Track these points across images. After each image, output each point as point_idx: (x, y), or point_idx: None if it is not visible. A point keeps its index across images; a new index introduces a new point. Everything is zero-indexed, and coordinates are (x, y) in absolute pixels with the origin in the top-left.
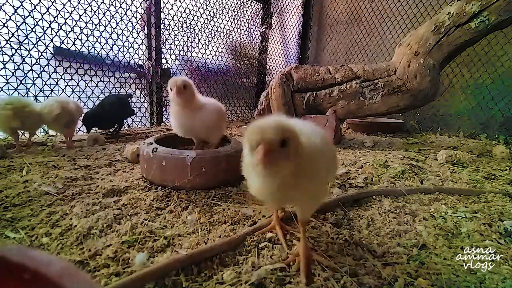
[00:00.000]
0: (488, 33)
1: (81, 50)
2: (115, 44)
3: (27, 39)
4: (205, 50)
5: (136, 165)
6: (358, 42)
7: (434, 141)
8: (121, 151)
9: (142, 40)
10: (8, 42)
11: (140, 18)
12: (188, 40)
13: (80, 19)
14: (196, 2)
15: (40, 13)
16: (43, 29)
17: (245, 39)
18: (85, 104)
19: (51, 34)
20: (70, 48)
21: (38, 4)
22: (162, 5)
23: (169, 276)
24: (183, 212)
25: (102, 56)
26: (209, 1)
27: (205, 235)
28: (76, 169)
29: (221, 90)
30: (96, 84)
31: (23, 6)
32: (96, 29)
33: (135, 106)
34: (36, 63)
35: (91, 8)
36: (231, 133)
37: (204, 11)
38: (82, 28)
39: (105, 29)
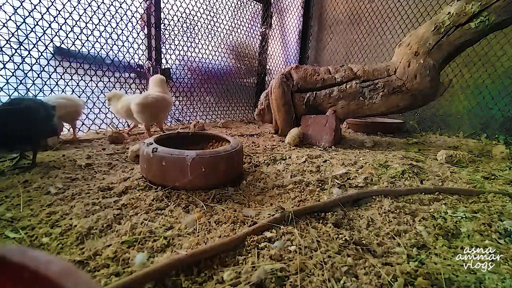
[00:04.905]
0: (488, 33)
1: (81, 50)
2: (115, 44)
3: (27, 39)
4: (205, 50)
5: (136, 165)
6: (358, 42)
7: (434, 141)
8: (121, 151)
9: (142, 40)
10: (8, 42)
11: (140, 18)
12: (188, 40)
13: (80, 19)
14: (196, 2)
15: (40, 13)
16: (43, 29)
17: (245, 39)
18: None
19: (51, 34)
20: (70, 48)
21: (38, 4)
22: (162, 5)
23: (169, 276)
24: (183, 212)
25: (102, 56)
26: (209, 1)
27: (205, 235)
28: (76, 169)
29: (221, 90)
30: (96, 84)
31: (23, 6)
32: (96, 29)
33: None
34: (36, 63)
35: (91, 8)
36: (231, 133)
37: (204, 11)
38: (82, 28)
39: (105, 29)
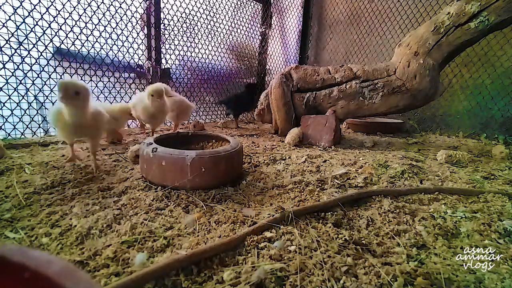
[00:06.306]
0: (487, 33)
1: (80, 50)
2: (115, 44)
3: (26, 39)
4: (205, 50)
5: (136, 165)
6: (358, 42)
7: (433, 141)
8: (121, 151)
9: (142, 40)
10: (8, 42)
11: (140, 18)
12: (188, 40)
13: (80, 19)
14: (196, 2)
15: (40, 13)
16: (42, 29)
17: (245, 39)
18: None
19: (51, 34)
20: (70, 48)
21: (38, 4)
22: (162, 5)
23: (169, 276)
24: (183, 212)
25: (102, 56)
26: (209, 1)
27: (205, 235)
28: (76, 169)
29: (221, 90)
30: (96, 84)
31: (22, 6)
32: (96, 29)
33: None
34: (36, 63)
35: (91, 8)
36: (231, 133)
37: (204, 11)
38: (82, 28)
39: (104, 29)
